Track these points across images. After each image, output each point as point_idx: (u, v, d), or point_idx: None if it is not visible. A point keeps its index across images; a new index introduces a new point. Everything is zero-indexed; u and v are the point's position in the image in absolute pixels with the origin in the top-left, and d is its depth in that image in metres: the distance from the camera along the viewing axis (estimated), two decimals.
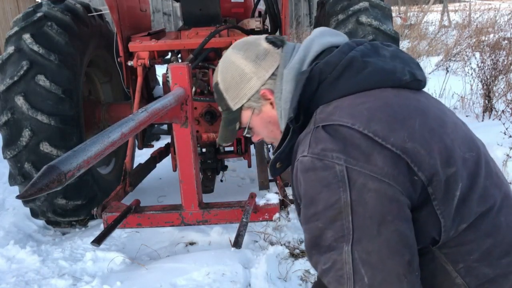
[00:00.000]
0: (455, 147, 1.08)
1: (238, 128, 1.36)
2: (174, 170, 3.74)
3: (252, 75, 1.26)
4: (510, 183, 3.54)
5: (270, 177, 3.44)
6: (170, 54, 3.91)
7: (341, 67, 1.14)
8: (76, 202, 3.57)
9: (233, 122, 1.35)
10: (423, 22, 13.05)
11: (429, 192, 1.04)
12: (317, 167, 1.03)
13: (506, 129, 4.30)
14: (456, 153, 1.07)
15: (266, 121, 1.31)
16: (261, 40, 1.31)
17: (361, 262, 0.99)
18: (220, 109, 1.38)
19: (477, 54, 6.50)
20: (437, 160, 1.04)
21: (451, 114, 1.20)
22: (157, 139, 5.48)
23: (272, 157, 1.26)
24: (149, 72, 4.11)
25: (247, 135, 1.38)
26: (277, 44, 1.29)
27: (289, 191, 3.09)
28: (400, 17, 13.15)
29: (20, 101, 3.34)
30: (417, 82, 1.20)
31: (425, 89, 1.26)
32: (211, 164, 3.78)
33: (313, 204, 1.03)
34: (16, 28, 3.50)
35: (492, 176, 1.14)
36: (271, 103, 1.28)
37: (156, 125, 4.47)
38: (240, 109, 1.31)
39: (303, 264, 3.02)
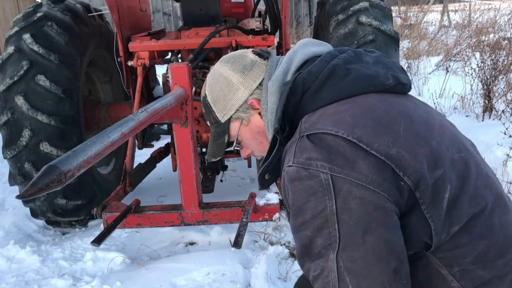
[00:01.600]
0: (442, 149, 1.08)
1: (227, 141, 1.35)
2: (174, 170, 3.74)
3: (239, 85, 1.28)
4: (510, 183, 3.55)
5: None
6: (170, 54, 3.91)
7: (323, 75, 1.15)
8: (76, 202, 3.57)
9: (221, 135, 1.34)
10: (423, 22, 13.06)
11: (416, 196, 1.03)
12: (302, 176, 1.03)
13: (506, 129, 4.30)
14: (443, 155, 1.07)
15: (255, 132, 1.31)
16: (247, 52, 1.33)
17: (346, 270, 1.00)
18: (208, 123, 1.38)
19: (477, 54, 6.50)
20: (423, 163, 1.04)
21: (438, 116, 1.19)
22: (157, 139, 5.48)
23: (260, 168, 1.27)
24: (149, 72, 4.11)
25: (236, 148, 1.37)
26: (263, 56, 1.31)
27: None
28: (400, 17, 13.16)
29: (20, 101, 3.34)
30: (402, 85, 1.20)
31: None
32: (211, 164, 3.78)
33: (301, 213, 1.04)
34: (16, 28, 3.50)
35: (483, 176, 1.13)
36: (259, 113, 1.28)
37: (156, 125, 4.47)
38: (229, 121, 1.31)
39: None
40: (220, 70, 1.33)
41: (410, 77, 1.23)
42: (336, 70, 1.15)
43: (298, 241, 1.07)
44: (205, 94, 1.35)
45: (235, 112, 1.30)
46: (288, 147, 1.13)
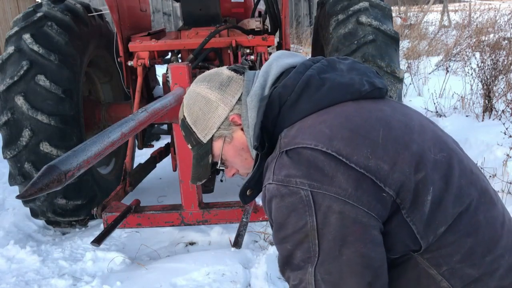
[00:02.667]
0: (424, 150, 1.08)
1: (211, 161, 1.32)
2: (174, 170, 3.74)
3: (219, 102, 1.25)
4: (510, 183, 3.55)
5: None
6: (170, 54, 3.91)
7: (299, 88, 1.14)
8: (76, 202, 3.57)
9: (205, 156, 1.31)
10: (423, 22, 13.05)
11: (397, 202, 1.04)
12: (283, 193, 1.04)
13: (506, 129, 4.30)
14: (425, 157, 1.07)
15: (239, 149, 1.29)
16: (222, 69, 1.31)
17: (323, 283, 1.02)
18: (190, 147, 1.34)
19: (477, 54, 6.50)
20: (404, 170, 1.04)
21: (418, 117, 1.19)
22: (157, 139, 5.48)
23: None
24: (149, 72, 4.11)
25: (221, 168, 1.35)
26: (239, 71, 1.29)
27: None
28: (400, 17, 13.15)
29: (20, 101, 3.34)
30: (378, 90, 1.19)
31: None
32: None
33: (282, 229, 1.06)
34: (16, 28, 3.50)
35: (467, 173, 1.13)
36: (242, 129, 1.26)
37: (156, 125, 4.47)
38: (211, 140, 1.28)
39: None
40: (196, 90, 1.29)
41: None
42: (311, 81, 1.14)
43: (279, 252, 1.10)
44: (184, 116, 1.30)
45: (217, 130, 1.26)
46: (268, 162, 1.13)
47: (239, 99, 1.24)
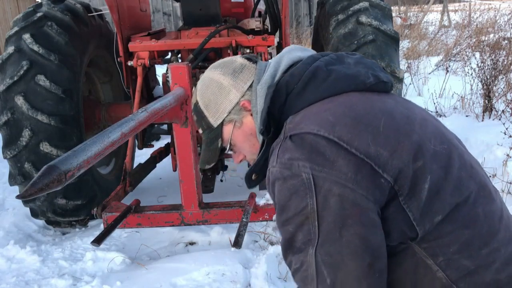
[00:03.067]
0: (424, 141, 1.11)
1: (220, 146, 1.36)
2: (174, 170, 3.74)
3: (231, 87, 1.30)
4: (510, 183, 3.55)
5: None
6: (170, 54, 3.91)
7: (306, 77, 1.19)
8: (76, 202, 3.57)
9: (214, 140, 1.36)
10: (423, 22, 13.05)
11: (395, 189, 1.07)
12: (285, 176, 1.08)
13: (506, 129, 4.30)
14: (424, 147, 1.10)
15: (248, 134, 1.33)
16: (236, 57, 1.37)
17: (323, 264, 1.04)
18: (200, 131, 1.39)
19: (477, 54, 6.50)
20: (402, 157, 1.07)
21: (420, 112, 1.22)
22: (157, 139, 5.48)
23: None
24: (149, 72, 4.11)
25: (229, 152, 1.40)
26: (252, 59, 1.35)
27: None
28: (400, 17, 13.15)
29: (20, 101, 3.34)
30: (383, 83, 1.23)
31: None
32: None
33: (284, 211, 1.09)
34: (16, 28, 3.50)
35: (467, 167, 1.15)
36: (251, 115, 1.31)
37: (156, 125, 4.47)
38: (222, 124, 1.33)
39: None
40: (210, 75, 1.35)
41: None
42: (317, 72, 1.19)
43: (282, 235, 1.12)
44: (197, 100, 1.36)
45: (227, 115, 1.31)
46: (273, 148, 1.16)
47: (250, 86, 1.30)
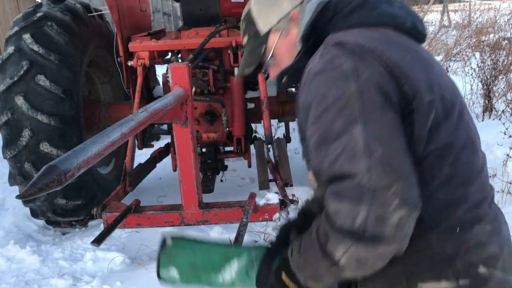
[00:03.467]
0: (437, 83, 1.20)
1: (263, 52, 1.42)
2: (174, 170, 3.74)
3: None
4: (510, 183, 3.55)
5: (270, 177, 3.44)
6: (170, 54, 3.91)
7: (355, 4, 1.30)
8: (76, 202, 3.57)
9: (258, 47, 1.42)
10: (423, 22, 13.03)
11: (413, 106, 1.14)
12: (327, 68, 1.16)
13: (506, 129, 4.30)
14: (436, 87, 1.19)
15: (291, 45, 1.39)
16: None
17: (372, 138, 1.07)
18: (245, 40, 1.47)
19: (477, 54, 6.50)
20: (421, 84, 1.16)
21: (439, 67, 1.32)
22: (157, 139, 5.48)
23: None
24: (149, 72, 4.11)
25: (269, 62, 1.44)
26: None
27: (289, 191, 3.09)
28: None
29: (20, 101, 3.34)
30: (417, 32, 1.33)
31: None
32: (211, 164, 3.77)
33: (323, 101, 1.13)
34: (16, 28, 3.51)
35: (463, 121, 1.23)
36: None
37: (156, 125, 4.47)
38: (269, 32, 1.40)
39: None
40: None
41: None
42: (366, 3, 1.30)
43: (317, 129, 1.13)
44: (250, 8, 1.44)
45: (277, 23, 1.38)
46: (313, 57, 1.25)
47: (301, 3, 1.37)
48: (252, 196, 3.04)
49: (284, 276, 1.22)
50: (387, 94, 1.12)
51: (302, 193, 3.02)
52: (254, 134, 4.11)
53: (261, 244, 1.43)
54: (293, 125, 4.50)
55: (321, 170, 1.12)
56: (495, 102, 5.53)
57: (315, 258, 1.12)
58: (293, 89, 4.37)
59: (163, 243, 1.36)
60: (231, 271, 1.32)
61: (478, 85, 5.76)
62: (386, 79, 1.13)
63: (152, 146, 4.49)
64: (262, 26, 1.40)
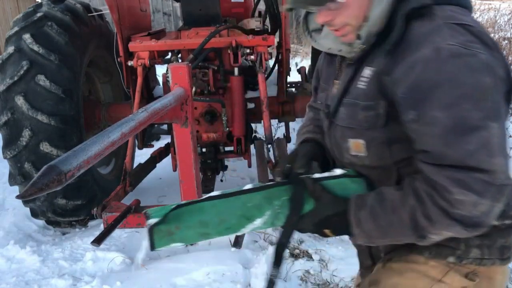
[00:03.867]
0: None
1: None
2: (174, 170, 3.74)
3: None
4: None
5: (270, 177, 3.44)
6: (170, 54, 3.91)
7: None
8: (76, 202, 3.57)
9: None
10: None
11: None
12: (464, 53, 1.12)
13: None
14: None
15: None
16: None
17: (504, 137, 1.13)
18: None
19: None
20: None
21: None
22: (157, 139, 5.48)
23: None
24: (149, 72, 4.11)
25: (330, 5, 1.25)
26: None
27: None
28: None
29: (20, 101, 3.34)
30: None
31: None
32: (211, 164, 3.77)
33: (459, 88, 1.11)
34: (16, 28, 3.51)
35: None
36: None
37: (156, 125, 4.47)
38: None
39: (303, 264, 3.02)
40: None
41: None
42: None
43: (449, 115, 1.11)
44: None
45: None
46: (424, 29, 1.17)
47: None
48: None
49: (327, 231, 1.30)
50: (506, 96, 1.17)
51: None
52: (254, 134, 4.11)
53: (273, 191, 1.33)
54: (293, 125, 4.49)
55: (447, 155, 1.12)
56: None
57: (402, 226, 1.15)
58: (293, 89, 4.38)
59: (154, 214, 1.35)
60: (253, 228, 1.31)
61: None
62: (506, 83, 1.17)
63: (152, 146, 4.49)
64: None
